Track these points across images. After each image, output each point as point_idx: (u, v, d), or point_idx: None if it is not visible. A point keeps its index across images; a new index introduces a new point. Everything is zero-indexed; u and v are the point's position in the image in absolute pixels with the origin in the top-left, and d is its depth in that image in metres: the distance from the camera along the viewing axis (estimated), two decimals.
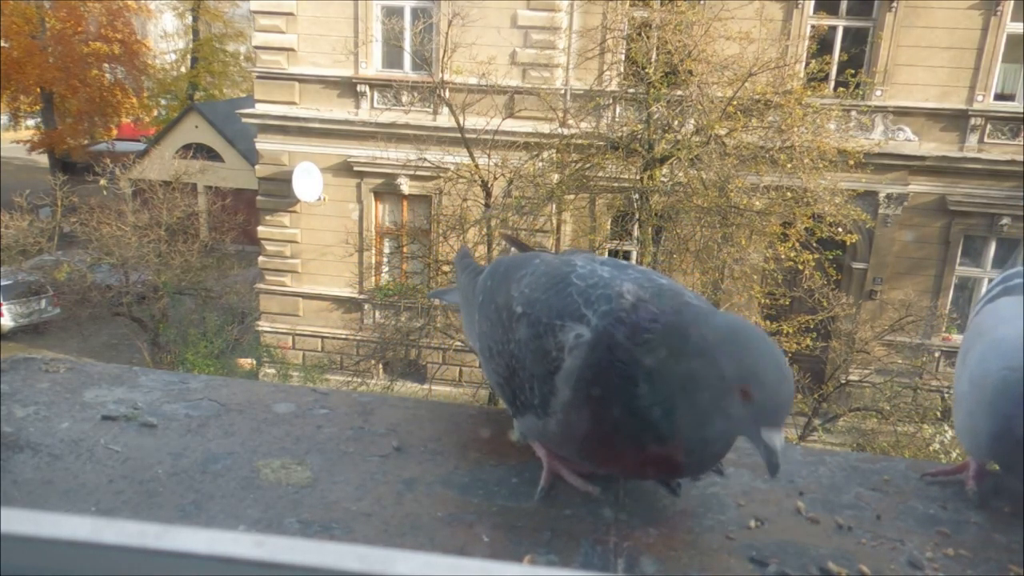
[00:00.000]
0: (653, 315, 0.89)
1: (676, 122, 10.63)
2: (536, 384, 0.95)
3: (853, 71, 11.09)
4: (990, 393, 0.97)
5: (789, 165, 10.02)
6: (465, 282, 1.25)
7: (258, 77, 13.42)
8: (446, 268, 11.61)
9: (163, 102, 30.63)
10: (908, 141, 11.97)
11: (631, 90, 11.57)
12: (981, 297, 1.19)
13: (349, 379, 12.36)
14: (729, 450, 0.95)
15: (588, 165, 11.04)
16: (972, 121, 11.83)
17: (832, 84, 11.62)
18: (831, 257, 10.29)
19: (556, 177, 11.23)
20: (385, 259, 13.79)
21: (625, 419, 0.88)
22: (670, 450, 0.88)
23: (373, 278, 13.61)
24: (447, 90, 11.92)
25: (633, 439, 0.89)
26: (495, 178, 11.26)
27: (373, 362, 13.12)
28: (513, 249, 1.39)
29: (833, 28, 12.01)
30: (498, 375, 1.05)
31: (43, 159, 27.15)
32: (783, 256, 10.12)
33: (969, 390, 1.02)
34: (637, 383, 0.87)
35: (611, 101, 12.07)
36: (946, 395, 10.53)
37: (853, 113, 11.63)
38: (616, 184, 11.11)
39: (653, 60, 10.66)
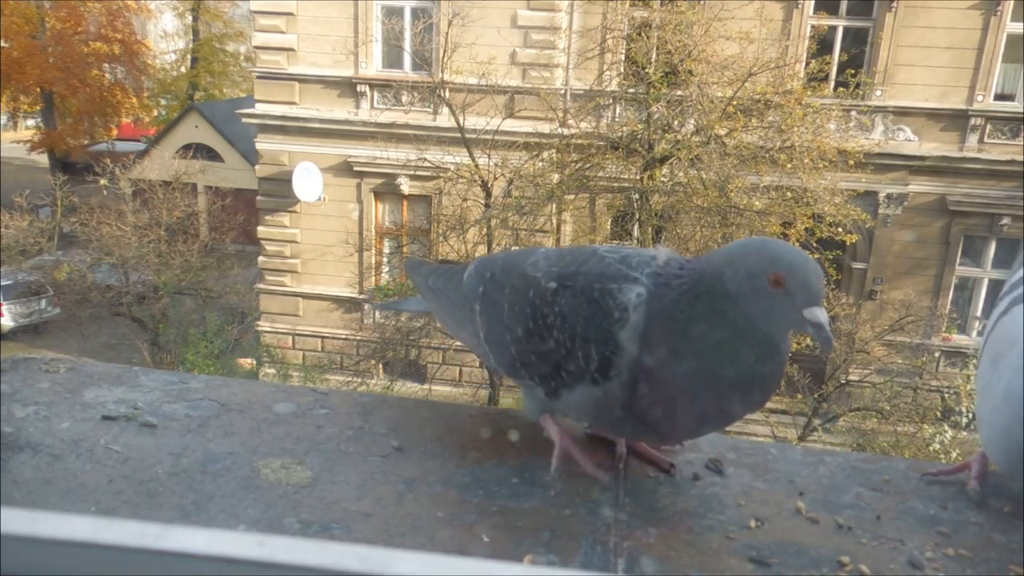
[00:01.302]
0: (680, 264, 0.97)
1: (676, 122, 10.63)
2: (594, 348, 0.97)
3: (853, 71, 11.10)
4: None
5: (789, 165, 10.02)
6: (438, 283, 1.24)
7: (258, 77, 13.42)
8: None
9: (163, 102, 30.63)
10: (908, 141, 11.97)
11: (631, 90, 11.57)
12: (1003, 294, 1.14)
13: (349, 379, 12.36)
14: (783, 372, 0.96)
15: (588, 165, 11.04)
16: (972, 121, 11.83)
17: (832, 84, 11.62)
18: (831, 257, 10.28)
19: (556, 177, 11.23)
20: (385, 259, 13.79)
21: (691, 364, 0.92)
22: (734, 381, 0.92)
23: (373, 278, 13.61)
24: (447, 90, 11.92)
25: (702, 382, 0.92)
26: (495, 178, 11.26)
27: (373, 362, 13.12)
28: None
29: (833, 28, 12.01)
30: (527, 354, 1.05)
31: (43, 159, 27.15)
32: None
33: (1005, 406, 0.98)
34: (691, 323, 0.92)
35: (611, 101, 12.07)
36: (946, 395, 10.53)
37: (853, 113, 11.63)
38: (616, 184, 11.11)
39: (653, 60, 10.66)
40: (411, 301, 1.45)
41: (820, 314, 0.88)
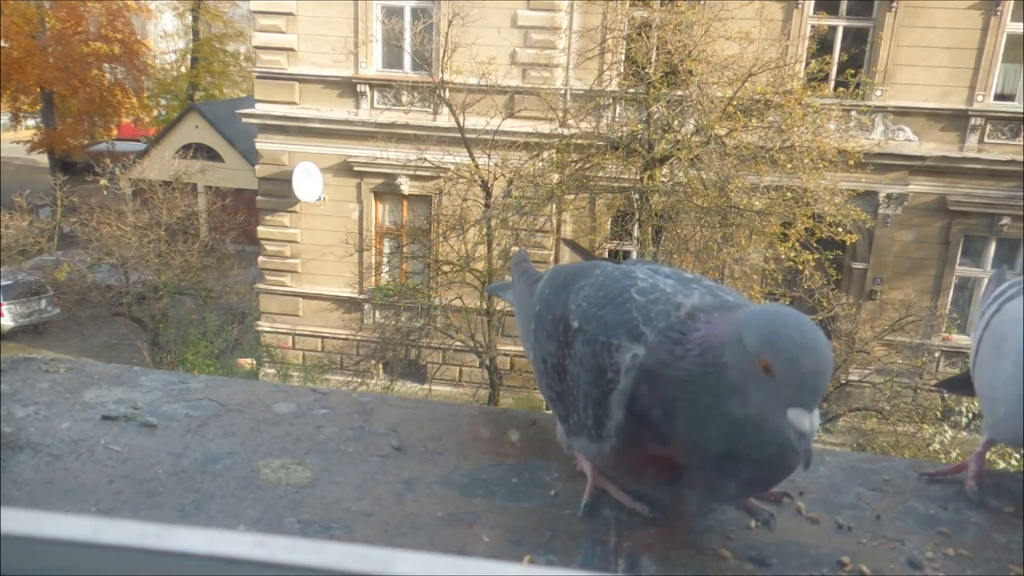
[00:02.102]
0: (704, 321, 0.85)
1: (676, 122, 10.63)
2: (590, 405, 0.91)
3: (853, 71, 11.10)
4: None
5: (789, 165, 10.02)
6: (522, 288, 1.19)
7: (258, 77, 13.42)
8: (446, 268, 11.62)
9: (163, 102, 30.62)
10: (908, 141, 11.96)
11: (631, 90, 11.57)
12: (999, 293, 1.15)
13: (349, 379, 12.36)
14: (794, 457, 0.83)
15: (588, 165, 11.04)
16: (972, 121, 11.82)
17: (832, 84, 11.62)
18: (831, 257, 10.28)
19: (556, 177, 11.23)
20: (385, 259, 13.79)
21: (683, 433, 0.83)
22: (724, 466, 0.83)
23: (373, 278, 13.61)
24: (447, 90, 11.91)
25: (693, 455, 0.84)
26: (495, 178, 11.26)
27: (373, 362, 13.12)
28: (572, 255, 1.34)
29: (833, 28, 12.00)
30: (551, 389, 1.01)
31: (43, 159, 27.15)
32: (783, 256, 10.12)
33: (1013, 371, 0.98)
34: (686, 394, 0.83)
35: (611, 101, 12.07)
36: (946, 395, 10.52)
37: (853, 113, 11.62)
38: (616, 184, 11.11)
39: (653, 60, 10.66)
40: (509, 291, 1.37)
41: (805, 421, 0.76)
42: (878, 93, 11.81)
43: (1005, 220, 11.91)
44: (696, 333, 0.84)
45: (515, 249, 11.80)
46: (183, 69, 30.48)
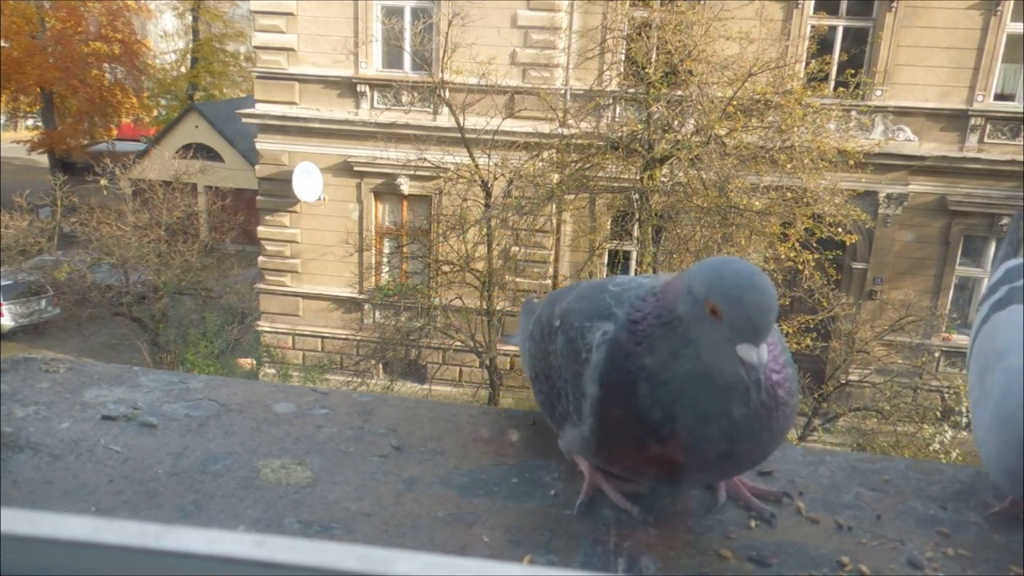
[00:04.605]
0: (660, 290, 0.89)
1: (676, 122, 10.63)
2: (569, 389, 0.94)
3: (853, 71, 11.10)
4: None
5: (789, 165, 10.02)
6: (524, 323, 1.23)
7: (258, 77, 13.42)
8: (446, 268, 11.62)
9: (163, 102, 30.63)
10: (908, 141, 11.96)
11: (631, 90, 11.57)
12: (984, 295, 1.13)
13: (349, 379, 12.36)
14: (773, 447, 0.88)
15: (588, 165, 11.04)
16: (972, 121, 11.83)
17: (832, 84, 11.62)
18: (831, 257, 10.28)
19: (556, 177, 11.23)
20: (385, 259, 13.79)
21: (646, 411, 0.85)
22: (695, 431, 0.85)
23: (373, 278, 13.62)
24: (447, 90, 11.92)
25: (657, 431, 0.85)
26: (495, 178, 11.27)
27: (373, 362, 13.12)
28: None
29: (833, 28, 12.00)
30: (543, 394, 1.04)
31: (43, 159, 27.16)
32: (783, 256, 10.11)
33: (999, 425, 0.94)
34: (645, 365, 0.85)
35: (611, 101, 12.07)
36: (946, 395, 10.53)
37: (853, 113, 11.63)
38: (616, 184, 11.11)
39: (653, 60, 10.66)
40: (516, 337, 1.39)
41: (752, 353, 0.78)
42: (878, 93, 11.81)
43: (1005, 220, 11.91)
44: (654, 298, 0.89)
45: (515, 249, 11.83)
46: (183, 69, 30.48)
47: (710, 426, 0.85)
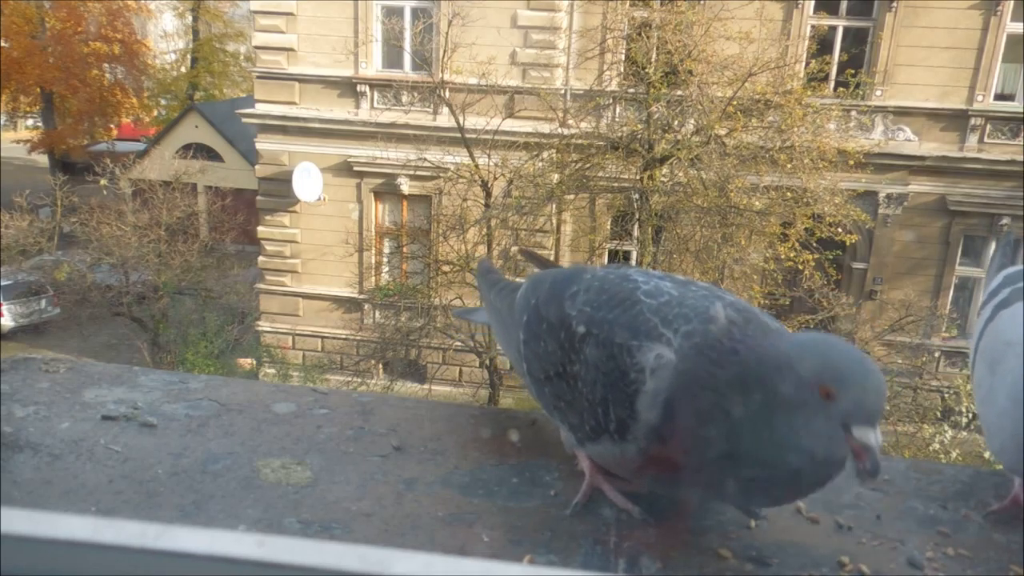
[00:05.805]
0: (740, 338, 0.87)
1: (676, 122, 10.63)
2: (612, 408, 0.91)
3: (853, 71, 11.10)
4: None
5: (789, 165, 10.02)
6: (497, 300, 1.18)
7: (258, 77, 13.42)
8: (446, 268, 11.61)
9: (163, 102, 30.63)
10: (908, 141, 11.96)
11: (631, 90, 11.57)
12: (985, 300, 1.14)
13: (349, 379, 12.36)
14: (829, 477, 0.86)
15: (588, 165, 11.04)
16: (972, 121, 11.82)
17: (832, 84, 11.62)
18: (831, 257, 10.28)
19: (556, 177, 11.23)
20: (385, 259, 13.79)
21: (717, 445, 0.84)
22: (759, 474, 0.85)
23: (373, 278, 13.62)
24: (447, 90, 11.92)
25: (724, 466, 0.85)
26: (495, 178, 11.26)
27: (373, 362, 13.12)
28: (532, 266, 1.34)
29: (833, 28, 12.00)
30: (557, 398, 1.01)
31: (43, 159, 27.16)
32: (783, 256, 10.11)
33: (1013, 407, 0.96)
34: (726, 408, 0.84)
35: (611, 101, 12.06)
36: (946, 395, 10.53)
37: (853, 113, 11.62)
38: (616, 184, 11.11)
39: (653, 60, 10.66)
40: (481, 311, 1.36)
41: (870, 435, 0.79)
42: (878, 93, 11.81)
43: (1005, 220, 11.91)
44: (736, 353, 0.86)
45: (514, 249, 11.81)
46: (183, 69, 30.49)
47: (794, 484, 0.86)
